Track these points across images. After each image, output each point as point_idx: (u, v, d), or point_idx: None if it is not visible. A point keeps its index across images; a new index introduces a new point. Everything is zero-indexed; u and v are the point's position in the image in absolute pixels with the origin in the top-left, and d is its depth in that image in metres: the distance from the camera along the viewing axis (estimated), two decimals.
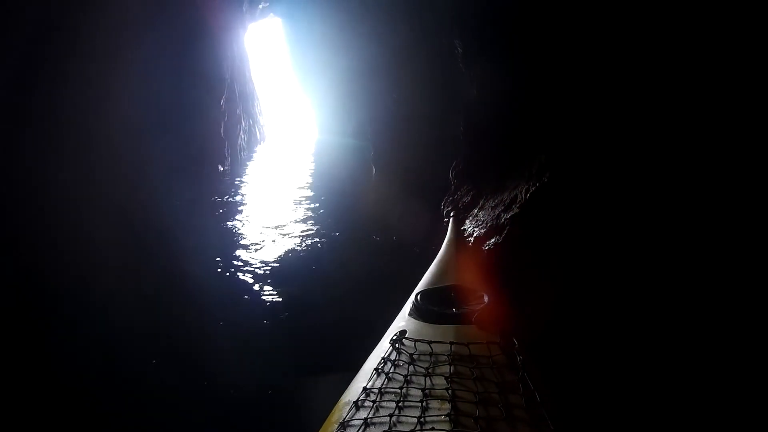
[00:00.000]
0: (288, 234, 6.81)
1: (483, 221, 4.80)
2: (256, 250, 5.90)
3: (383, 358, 1.65)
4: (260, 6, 17.10)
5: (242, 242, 6.34)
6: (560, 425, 1.30)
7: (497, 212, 4.57)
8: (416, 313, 2.08)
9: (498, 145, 4.88)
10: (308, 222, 7.40)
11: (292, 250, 6.03)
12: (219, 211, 8.16)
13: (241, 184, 11.19)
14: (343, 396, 1.56)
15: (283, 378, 3.33)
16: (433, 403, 1.34)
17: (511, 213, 4.34)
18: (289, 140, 25.12)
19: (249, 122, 17.23)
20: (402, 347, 1.70)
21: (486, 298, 2.10)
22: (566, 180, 3.70)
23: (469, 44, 5.41)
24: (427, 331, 1.85)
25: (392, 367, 1.58)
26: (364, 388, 1.47)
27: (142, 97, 7.27)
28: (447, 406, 1.31)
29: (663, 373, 2.57)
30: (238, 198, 9.50)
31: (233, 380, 3.27)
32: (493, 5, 4.75)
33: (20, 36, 4.68)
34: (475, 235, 4.82)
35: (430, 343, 1.68)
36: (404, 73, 7.49)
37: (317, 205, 8.67)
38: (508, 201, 4.42)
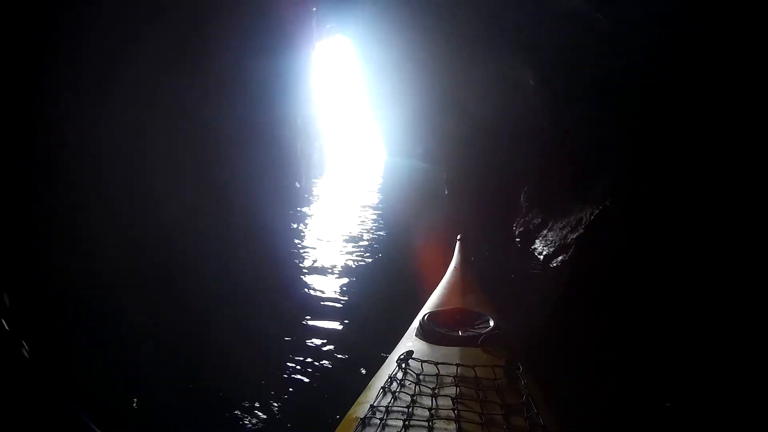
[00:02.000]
0: (358, 247, 7.32)
1: (552, 241, 5.55)
2: (328, 270, 6.19)
3: (390, 377, 1.72)
4: (327, 25, 17.42)
5: (311, 254, 6.90)
6: None
7: (564, 233, 5.32)
8: (423, 334, 2.16)
9: (566, 172, 5.62)
10: (378, 234, 8.13)
11: (362, 264, 6.45)
12: (295, 224, 9.04)
13: (315, 200, 12.23)
14: (350, 412, 1.65)
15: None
16: (439, 423, 1.42)
17: (577, 233, 5.09)
18: (357, 160, 26.27)
19: (320, 141, 18.38)
20: (409, 367, 1.76)
21: (492, 322, 2.19)
22: (625, 204, 4.43)
23: (541, 79, 6.18)
24: (434, 352, 1.94)
25: (399, 387, 1.64)
26: (371, 406, 1.54)
27: (237, 108, 8.20)
28: (453, 426, 1.40)
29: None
30: (312, 213, 10.47)
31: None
32: (564, 44, 5.48)
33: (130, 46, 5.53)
34: (544, 253, 5.59)
35: (436, 364, 1.74)
36: (478, 101, 8.25)
37: (384, 221, 9.34)
38: (574, 223, 5.17)
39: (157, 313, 4.16)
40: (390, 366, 1.86)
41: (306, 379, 3.58)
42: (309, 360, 3.79)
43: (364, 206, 11.43)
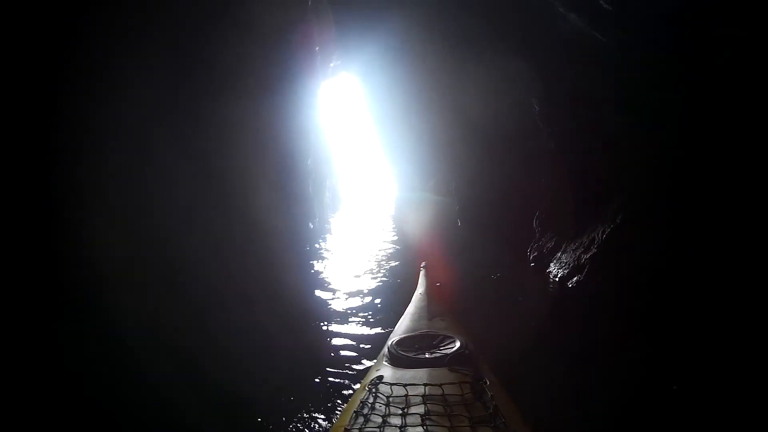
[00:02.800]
0: (376, 277, 7.59)
1: (566, 263, 5.63)
2: (341, 295, 6.56)
3: (362, 401, 1.77)
4: (332, 64, 17.62)
5: (325, 287, 7.16)
6: None
7: (578, 254, 5.40)
8: (391, 359, 2.24)
9: (576, 194, 5.73)
10: (391, 264, 8.31)
11: (378, 290, 6.69)
12: (311, 261, 9.34)
13: (328, 239, 12.49)
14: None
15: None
16: None
17: (590, 253, 5.17)
18: (369, 197, 26.63)
19: (332, 180, 18.70)
20: (379, 392, 1.82)
21: (458, 343, 2.26)
22: (636, 220, 4.52)
23: (546, 102, 6.35)
24: (403, 375, 2.00)
25: (370, 410, 1.70)
26: (345, 429, 1.60)
27: (244, 152, 8.50)
28: None
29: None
30: (326, 253, 10.74)
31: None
32: (569, 69, 5.65)
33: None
34: (559, 275, 5.66)
35: (405, 386, 1.81)
36: (488, 132, 8.40)
37: (397, 255, 9.58)
38: (587, 243, 5.26)
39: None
40: (362, 393, 1.90)
41: (309, 385, 3.74)
42: (313, 366, 3.98)
43: (377, 243, 11.68)
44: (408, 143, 17.57)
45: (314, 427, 3.12)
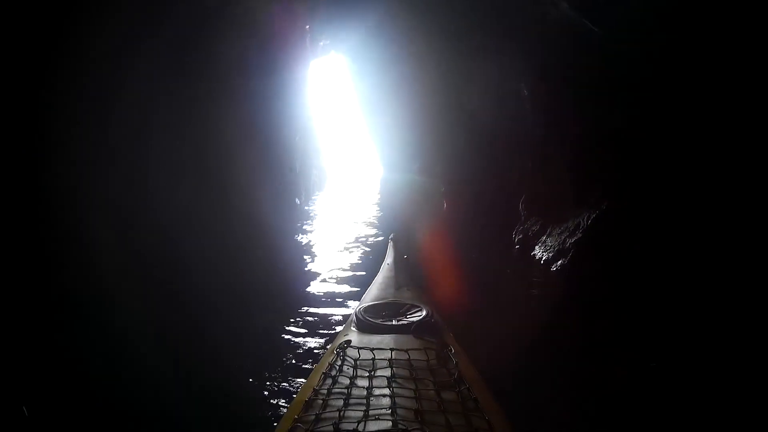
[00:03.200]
0: (358, 250, 7.80)
1: (551, 246, 5.78)
2: (320, 267, 6.77)
3: (329, 364, 1.83)
4: (321, 43, 17.49)
5: (304, 260, 7.33)
6: (493, 416, 1.49)
7: (563, 238, 5.55)
8: (359, 325, 2.31)
9: (562, 179, 5.87)
10: (376, 241, 8.39)
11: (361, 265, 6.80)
12: (297, 236, 9.45)
13: (315, 216, 12.58)
14: (296, 396, 1.78)
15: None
16: (375, 400, 1.51)
17: (575, 238, 5.32)
18: (354, 177, 26.65)
19: (319, 158, 18.70)
20: (346, 355, 1.88)
21: (424, 311, 2.35)
22: (621, 207, 4.67)
23: (535, 88, 6.45)
24: (370, 340, 2.06)
25: (338, 372, 1.75)
26: (314, 389, 1.64)
27: (233, 127, 8.56)
28: (388, 401, 1.49)
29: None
30: (311, 227, 10.85)
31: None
32: (559, 56, 5.75)
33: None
34: (544, 258, 5.81)
35: (372, 350, 1.87)
36: (474, 112, 8.51)
37: (384, 231, 9.70)
38: (572, 228, 5.40)
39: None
40: (330, 356, 1.98)
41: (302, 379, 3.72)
42: (306, 357, 3.95)
43: (361, 220, 11.84)
44: (394, 124, 17.60)
45: (284, 387, 3.28)
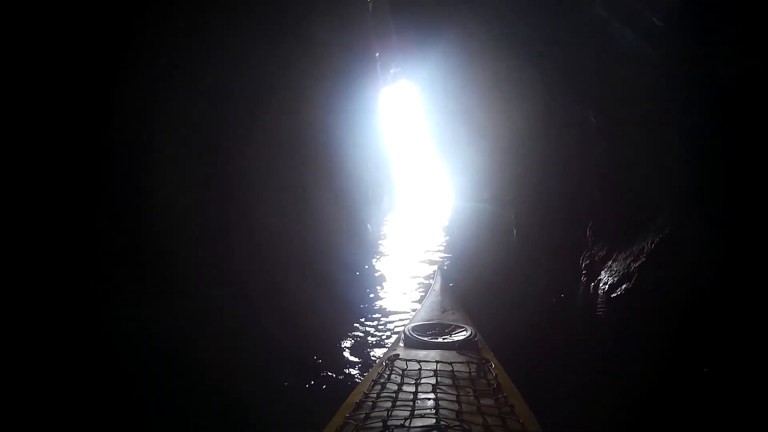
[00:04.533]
0: (421, 276, 7.97)
1: (616, 271, 5.93)
2: (384, 292, 7.17)
3: (379, 373, 1.99)
4: (391, 71, 17.65)
5: (370, 284, 7.74)
6: (526, 420, 1.63)
7: (628, 262, 5.71)
8: (406, 342, 2.52)
9: (628, 205, 6.04)
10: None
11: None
12: (370, 258, 10.00)
13: (384, 240, 13.20)
14: (347, 399, 1.90)
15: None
16: (421, 403, 1.65)
17: (639, 262, 5.49)
18: (425, 203, 27.07)
19: (390, 185, 19.24)
20: (395, 366, 2.03)
21: (468, 331, 2.55)
22: (683, 233, 4.84)
23: (602, 116, 6.64)
24: (416, 354, 2.23)
25: (387, 380, 1.91)
26: (364, 393, 1.78)
27: (344, 166, 9.24)
28: (432, 404, 1.62)
29: None
30: (382, 249, 11.54)
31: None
32: (624, 82, 5.95)
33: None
34: (609, 283, 5.98)
35: (419, 362, 2.03)
36: (542, 143, 8.71)
37: (450, 257, 10.10)
38: (636, 252, 5.56)
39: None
40: (379, 367, 2.15)
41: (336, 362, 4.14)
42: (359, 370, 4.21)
43: (428, 248, 12.23)
44: (465, 152, 17.81)
45: (336, 391, 3.41)
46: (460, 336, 2.54)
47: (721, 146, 4.54)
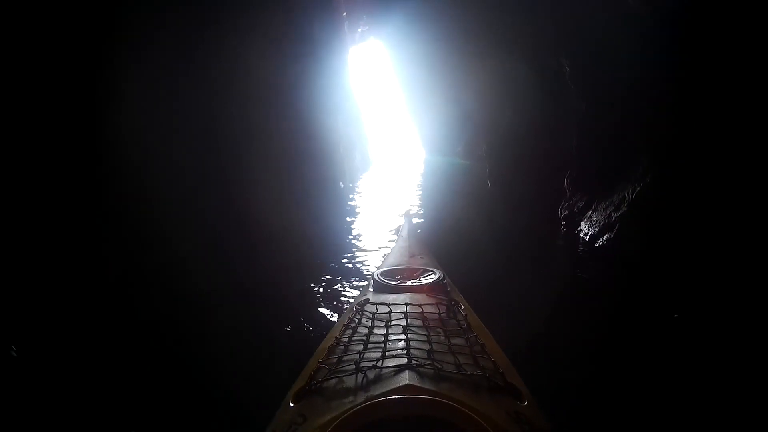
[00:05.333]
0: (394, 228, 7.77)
1: (596, 221, 5.87)
2: (365, 249, 6.94)
3: (350, 318, 2.02)
4: (359, 29, 17.46)
5: (343, 239, 7.60)
6: (498, 358, 1.65)
7: (608, 212, 5.64)
8: (375, 287, 2.53)
9: (606, 154, 5.94)
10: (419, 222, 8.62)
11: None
12: (343, 216, 9.84)
13: (358, 198, 12.94)
14: (320, 345, 1.98)
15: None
16: (392, 344, 1.66)
17: (620, 212, 5.41)
18: (397, 160, 26.92)
19: (362, 142, 18.99)
20: (365, 310, 2.05)
21: (436, 274, 2.59)
22: (665, 180, 4.76)
23: (576, 63, 6.49)
24: (386, 298, 2.24)
25: (357, 324, 1.93)
26: (336, 338, 1.83)
27: (300, 125, 8.99)
28: (403, 344, 1.63)
29: None
30: (355, 208, 11.21)
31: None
32: (599, 32, 5.75)
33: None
34: (589, 233, 5.92)
35: (388, 305, 2.03)
36: (515, 93, 8.56)
37: (429, 213, 9.95)
38: (617, 202, 5.48)
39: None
40: (350, 312, 2.17)
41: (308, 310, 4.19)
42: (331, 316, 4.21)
43: (402, 203, 11.89)
44: (436, 108, 17.66)
45: (308, 337, 3.59)
46: (428, 279, 2.56)
47: (706, 87, 4.40)
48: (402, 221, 4.48)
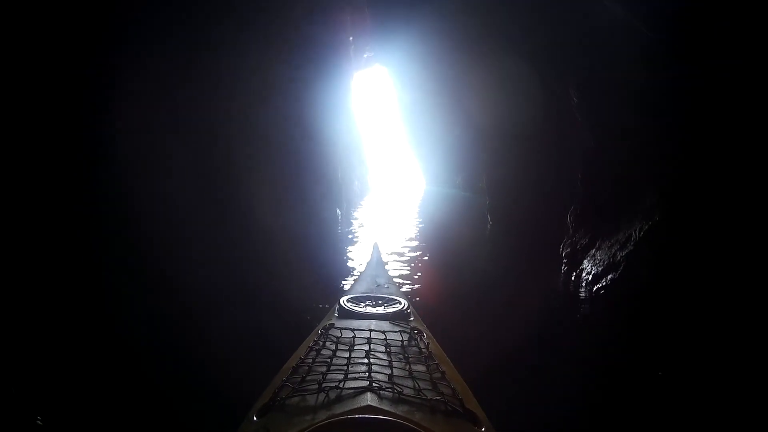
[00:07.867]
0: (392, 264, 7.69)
1: (600, 260, 5.63)
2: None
3: (314, 341, 2.10)
4: (365, 55, 17.73)
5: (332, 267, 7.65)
6: (457, 385, 1.70)
7: (613, 251, 5.40)
8: (341, 312, 2.64)
9: (613, 190, 5.72)
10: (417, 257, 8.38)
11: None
12: (339, 244, 9.72)
13: (355, 226, 12.81)
14: (285, 364, 2.01)
15: None
16: (354, 367, 1.71)
17: (627, 251, 5.17)
18: (397, 189, 26.84)
19: (361, 169, 18.88)
20: (329, 334, 2.14)
21: (401, 304, 2.69)
22: (674, 218, 4.54)
23: (585, 94, 6.32)
24: (350, 323, 2.27)
25: (321, 346, 1.99)
26: (300, 358, 1.89)
27: (298, 150, 8.89)
28: (364, 369, 1.68)
29: None
30: (351, 236, 11.09)
31: None
32: (608, 59, 5.62)
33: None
34: (592, 273, 5.68)
35: (353, 330, 2.10)
36: (520, 122, 8.39)
37: (424, 243, 9.78)
38: (623, 240, 5.25)
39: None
40: (314, 335, 2.26)
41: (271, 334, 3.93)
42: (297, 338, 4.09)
43: (399, 233, 11.78)
44: (437, 138, 17.66)
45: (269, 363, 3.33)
46: (393, 308, 2.64)
47: (717, 122, 4.24)
48: (371, 250, 4.72)
